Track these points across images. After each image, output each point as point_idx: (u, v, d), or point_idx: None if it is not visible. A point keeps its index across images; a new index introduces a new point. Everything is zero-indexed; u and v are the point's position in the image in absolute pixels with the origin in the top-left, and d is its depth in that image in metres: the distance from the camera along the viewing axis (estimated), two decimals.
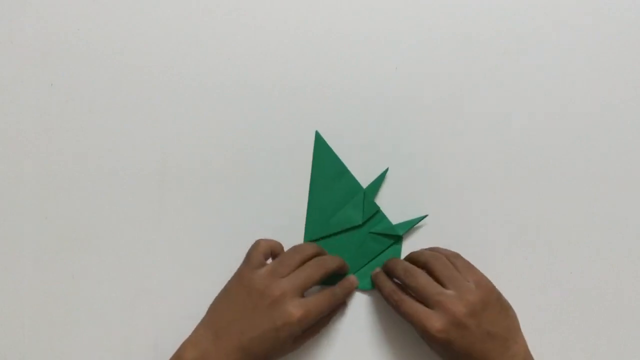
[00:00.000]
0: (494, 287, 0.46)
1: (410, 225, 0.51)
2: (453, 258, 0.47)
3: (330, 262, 0.48)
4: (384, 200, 0.53)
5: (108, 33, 0.54)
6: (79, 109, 0.53)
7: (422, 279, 0.45)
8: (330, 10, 0.54)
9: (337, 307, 0.50)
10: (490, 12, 0.54)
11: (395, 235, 0.51)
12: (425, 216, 0.52)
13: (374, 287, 0.50)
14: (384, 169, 0.52)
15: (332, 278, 0.49)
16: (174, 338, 0.50)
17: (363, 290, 0.52)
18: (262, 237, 0.49)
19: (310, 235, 0.52)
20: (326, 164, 0.52)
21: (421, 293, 0.45)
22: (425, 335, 0.44)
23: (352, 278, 0.50)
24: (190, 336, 0.45)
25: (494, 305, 0.45)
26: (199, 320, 0.47)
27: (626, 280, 0.51)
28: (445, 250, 0.49)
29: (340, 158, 0.53)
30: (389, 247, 0.52)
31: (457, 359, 0.44)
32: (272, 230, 0.52)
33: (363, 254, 0.52)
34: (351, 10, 0.54)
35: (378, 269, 0.51)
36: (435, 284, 0.45)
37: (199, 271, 0.52)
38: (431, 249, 0.50)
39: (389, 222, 0.52)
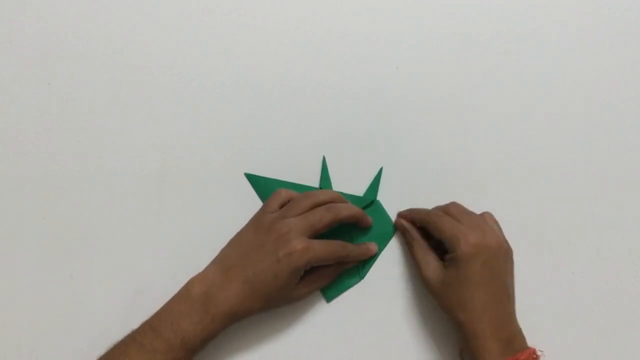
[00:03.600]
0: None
1: (375, 186, 0.52)
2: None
3: (342, 209, 0.47)
4: (382, 201, 0.53)
5: (107, 33, 0.54)
6: (77, 108, 0.53)
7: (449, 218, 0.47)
8: (330, 10, 0.54)
9: (344, 265, 0.50)
10: (490, 12, 0.54)
11: (370, 201, 0.51)
12: (380, 169, 0.52)
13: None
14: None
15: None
16: None
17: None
18: None
19: None
20: (270, 190, 0.51)
21: (456, 216, 0.47)
22: (458, 248, 0.44)
23: (371, 245, 0.50)
24: (199, 273, 0.46)
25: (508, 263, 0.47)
26: None
27: (627, 280, 0.51)
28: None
29: (338, 157, 0.52)
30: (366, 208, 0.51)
31: (460, 288, 0.44)
32: None
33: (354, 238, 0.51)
34: (351, 10, 0.54)
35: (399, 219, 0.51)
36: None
37: (199, 271, 0.51)
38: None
39: (358, 198, 0.52)
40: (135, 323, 0.50)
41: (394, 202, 0.52)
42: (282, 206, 0.48)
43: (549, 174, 0.53)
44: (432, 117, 0.53)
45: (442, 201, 0.52)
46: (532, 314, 0.51)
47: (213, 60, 0.54)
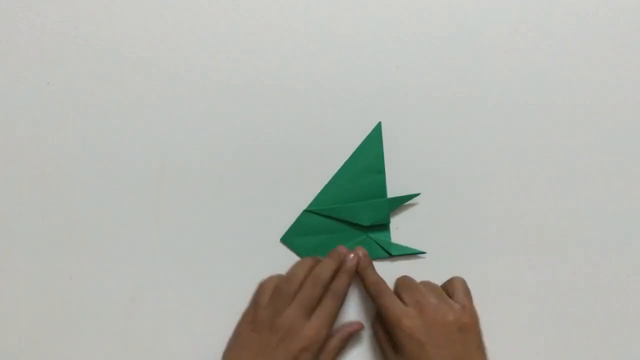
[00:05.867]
0: (477, 322, 0.46)
1: (405, 252, 0.51)
2: (453, 282, 0.48)
3: (324, 272, 0.47)
4: None
5: (106, 31, 0.54)
6: (76, 108, 0.53)
7: (389, 299, 0.46)
8: (330, 9, 0.54)
9: (350, 333, 0.49)
10: (491, 11, 0.53)
11: (386, 251, 0.51)
12: (424, 252, 0.51)
13: None
14: (417, 193, 0.52)
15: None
16: (173, 339, 0.50)
17: None
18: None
19: (315, 205, 0.51)
20: (369, 156, 0.52)
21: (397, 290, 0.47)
22: (397, 329, 0.44)
23: (347, 257, 0.49)
24: None
25: (468, 337, 0.44)
26: (197, 321, 0.47)
27: (629, 281, 0.51)
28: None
29: (340, 155, 0.52)
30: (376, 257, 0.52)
31: None
32: (271, 231, 0.52)
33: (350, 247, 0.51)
34: (351, 9, 0.54)
35: (362, 252, 0.49)
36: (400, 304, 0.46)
37: (198, 271, 0.51)
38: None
39: (388, 238, 0.52)
40: (135, 323, 0.51)
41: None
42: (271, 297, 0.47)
43: (553, 174, 0.52)
44: (433, 116, 0.53)
45: (442, 199, 0.52)
46: (534, 315, 0.51)
47: (213, 60, 0.53)
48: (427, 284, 0.48)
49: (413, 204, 0.52)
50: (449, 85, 0.53)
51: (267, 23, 0.54)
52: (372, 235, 0.51)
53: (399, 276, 0.50)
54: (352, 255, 0.48)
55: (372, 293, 0.47)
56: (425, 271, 0.51)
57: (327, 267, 0.47)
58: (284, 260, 0.51)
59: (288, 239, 0.51)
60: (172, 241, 0.52)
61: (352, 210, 0.51)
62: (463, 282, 0.48)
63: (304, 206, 0.52)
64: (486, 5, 0.53)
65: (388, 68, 0.53)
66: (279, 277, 0.49)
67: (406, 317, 0.44)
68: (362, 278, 0.48)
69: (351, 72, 0.53)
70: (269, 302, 0.46)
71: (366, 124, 0.53)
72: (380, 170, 0.52)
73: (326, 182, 0.52)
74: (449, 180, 0.52)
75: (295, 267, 0.48)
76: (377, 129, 0.52)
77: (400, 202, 0.52)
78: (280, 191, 0.52)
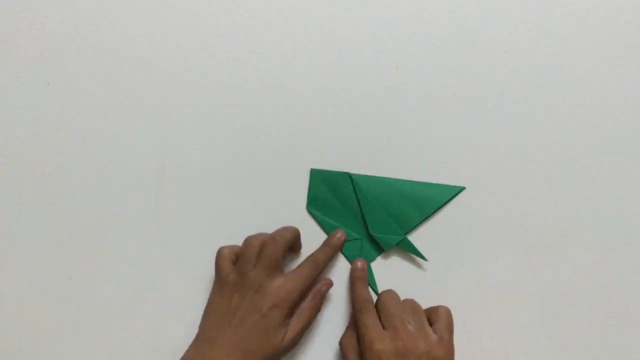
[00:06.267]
0: (451, 356, 0.45)
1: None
2: (438, 310, 0.47)
3: (283, 232, 0.48)
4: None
5: (106, 31, 0.54)
6: (76, 108, 0.53)
7: (370, 319, 0.46)
8: (330, 9, 0.54)
9: (323, 290, 0.49)
10: (491, 11, 0.53)
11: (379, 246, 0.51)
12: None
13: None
14: (425, 258, 0.51)
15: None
16: (173, 339, 0.50)
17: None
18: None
19: (359, 179, 0.52)
20: (431, 198, 0.51)
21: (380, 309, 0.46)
22: (368, 350, 0.44)
23: (337, 233, 0.50)
24: (184, 354, 0.45)
25: None
26: (197, 321, 0.47)
27: (629, 281, 0.51)
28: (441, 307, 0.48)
29: (340, 155, 0.52)
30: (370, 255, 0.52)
31: None
32: (270, 231, 0.51)
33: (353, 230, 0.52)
34: (350, 9, 0.54)
35: (361, 265, 0.50)
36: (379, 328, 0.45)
37: (198, 271, 0.51)
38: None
39: (375, 257, 0.51)
40: (135, 323, 0.50)
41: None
42: (233, 263, 0.48)
43: (550, 173, 0.52)
44: (433, 116, 0.53)
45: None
46: (534, 316, 0.51)
47: (213, 60, 0.53)
48: (410, 306, 0.47)
49: None
50: (449, 85, 0.53)
51: (267, 23, 0.54)
52: (365, 244, 0.51)
53: (384, 289, 0.49)
54: (339, 233, 0.50)
55: (356, 306, 0.47)
56: (426, 271, 0.51)
57: (286, 229, 0.49)
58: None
59: (316, 175, 0.52)
60: (172, 241, 0.52)
61: (375, 211, 0.51)
62: (447, 313, 0.47)
63: (304, 206, 0.52)
64: (486, 5, 0.53)
65: (388, 68, 0.53)
66: (237, 246, 0.49)
67: (379, 341, 0.44)
68: (352, 289, 0.49)
69: (351, 72, 0.53)
70: (234, 267, 0.47)
71: (366, 123, 0.53)
72: (424, 215, 0.51)
73: None
74: (449, 180, 0.52)
75: (251, 235, 0.49)
76: (459, 191, 0.52)
77: (411, 250, 0.51)
78: (280, 191, 0.52)
